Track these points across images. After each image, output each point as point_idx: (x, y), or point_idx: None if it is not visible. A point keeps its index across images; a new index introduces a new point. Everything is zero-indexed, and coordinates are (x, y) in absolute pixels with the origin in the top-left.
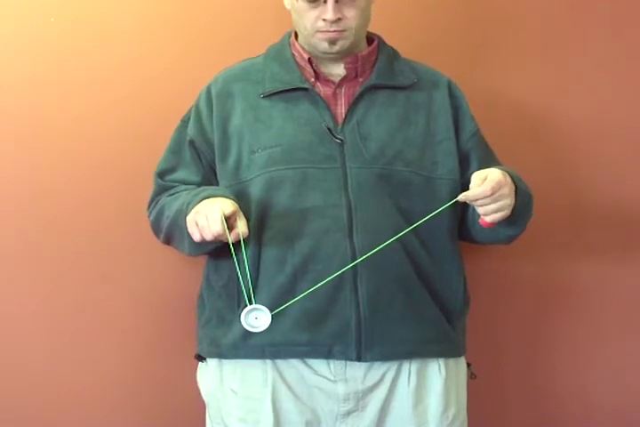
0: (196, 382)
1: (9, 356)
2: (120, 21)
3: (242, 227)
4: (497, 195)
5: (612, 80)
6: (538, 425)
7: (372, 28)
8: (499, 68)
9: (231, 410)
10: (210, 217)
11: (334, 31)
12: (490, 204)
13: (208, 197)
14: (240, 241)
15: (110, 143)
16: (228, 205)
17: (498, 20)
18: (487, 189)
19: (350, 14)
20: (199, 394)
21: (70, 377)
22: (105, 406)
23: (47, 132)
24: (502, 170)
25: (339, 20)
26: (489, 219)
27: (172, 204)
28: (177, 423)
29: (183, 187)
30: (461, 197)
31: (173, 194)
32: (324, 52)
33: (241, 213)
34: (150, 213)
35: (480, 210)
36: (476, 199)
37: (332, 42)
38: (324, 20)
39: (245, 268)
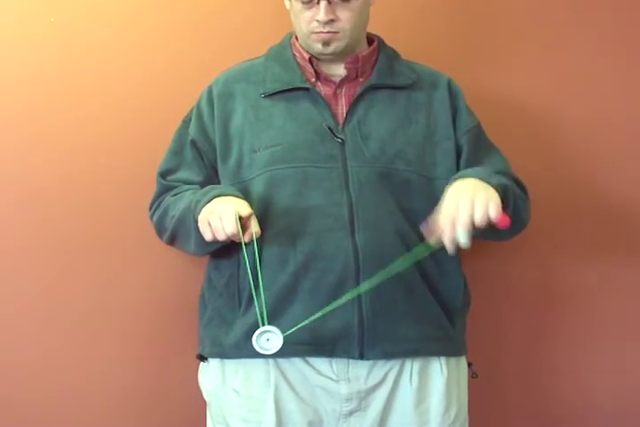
0: (196, 381)
1: (8, 356)
2: (120, 21)
3: (255, 226)
4: (465, 209)
5: (612, 79)
6: (538, 425)
7: (371, 29)
8: (498, 69)
9: (233, 410)
10: (224, 217)
11: (327, 32)
12: (473, 216)
13: (219, 196)
14: (252, 241)
15: (111, 143)
16: (244, 207)
17: (497, 19)
18: (446, 223)
19: (344, 16)
20: (199, 394)
21: (70, 376)
22: (105, 405)
23: (47, 131)
24: (464, 176)
25: (332, 21)
26: (493, 216)
27: (177, 203)
28: (177, 423)
29: (186, 187)
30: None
31: (177, 194)
32: (319, 54)
33: (253, 214)
34: (153, 213)
35: (479, 228)
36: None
37: (326, 43)
38: (317, 21)
39: (260, 288)
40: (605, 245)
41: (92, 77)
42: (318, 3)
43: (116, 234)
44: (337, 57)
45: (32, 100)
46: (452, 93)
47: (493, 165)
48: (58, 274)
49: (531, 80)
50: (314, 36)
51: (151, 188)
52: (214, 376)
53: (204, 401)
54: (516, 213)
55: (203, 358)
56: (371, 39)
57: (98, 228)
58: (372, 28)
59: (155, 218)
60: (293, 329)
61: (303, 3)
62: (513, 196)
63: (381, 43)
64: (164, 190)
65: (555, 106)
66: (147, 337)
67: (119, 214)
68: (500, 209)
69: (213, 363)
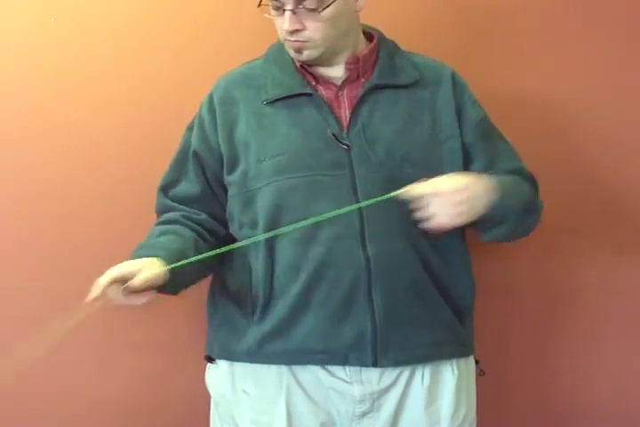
0: (201, 381)
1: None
2: (120, 21)
3: (134, 281)
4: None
5: (622, 73)
6: (543, 422)
7: (379, 25)
8: (504, 64)
9: (243, 412)
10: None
11: (295, 41)
12: (436, 206)
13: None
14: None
15: (111, 143)
16: (107, 275)
17: (505, 15)
18: (425, 191)
19: (311, 26)
20: (201, 394)
21: (71, 376)
22: (107, 405)
23: (47, 132)
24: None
25: (298, 30)
26: (432, 225)
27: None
28: (180, 423)
29: (166, 217)
30: (401, 191)
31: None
32: (296, 60)
33: (139, 271)
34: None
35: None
36: (415, 197)
37: (298, 51)
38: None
39: None
40: (609, 242)
41: (92, 78)
42: (284, 12)
43: (118, 234)
44: (322, 61)
45: (31, 100)
46: (456, 87)
47: (509, 161)
48: (59, 274)
49: (540, 75)
50: (286, 42)
51: (153, 188)
52: (223, 377)
53: (207, 401)
54: (516, 226)
55: (211, 359)
56: (370, 34)
57: (99, 228)
58: (380, 25)
59: None
60: None
61: (274, 10)
62: (517, 219)
63: (381, 38)
64: (160, 210)
65: (565, 101)
66: (150, 337)
67: (121, 214)
68: (445, 227)
69: (222, 364)
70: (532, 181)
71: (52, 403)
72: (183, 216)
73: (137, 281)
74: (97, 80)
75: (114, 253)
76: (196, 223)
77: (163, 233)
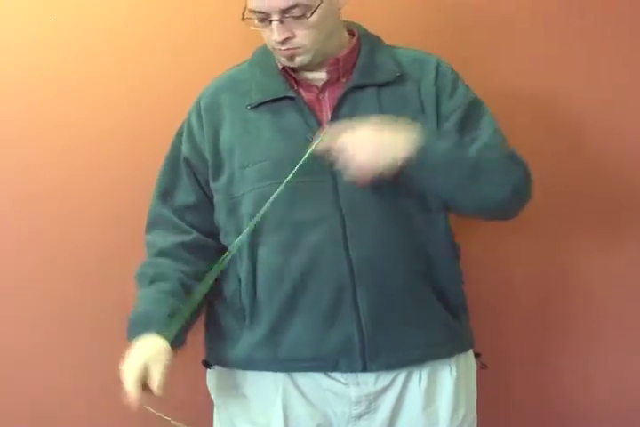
0: (203, 382)
1: (9, 358)
2: (120, 21)
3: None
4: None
5: (626, 69)
6: (543, 422)
7: (375, 24)
8: (504, 62)
9: (241, 414)
10: (126, 385)
11: (287, 49)
12: (347, 158)
13: (138, 337)
14: None
15: (111, 143)
16: (130, 375)
17: (504, 13)
18: (333, 144)
19: (301, 33)
20: (204, 395)
21: (71, 376)
22: (109, 406)
23: (46, 132)
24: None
25: (288, 39)
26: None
27: (139, 299)
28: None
29: (160, 252)
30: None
31: (147, 269)
32: (288, 67)
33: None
34: (146, 243)
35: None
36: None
37: (290, 58)
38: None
39: None
40: (611, 240)
41: (92, 78)
42: (271, 22)
43: (118, 234)
44: (312, 65)
45: (30, 100)
46: (439, 76)
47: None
48: (59, 274)
49: (542, 74)
50: (276, 51)
51: (151, 188)
52: (222, 380)
53: (209, 404)
54: (461, 183)
55: (208, 364)
56: (351, 31)
57: (99, 228)
58: (380, 24)
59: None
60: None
61: (259, 21)
62: (457, 172)
63: (362, 34)
64: (155, 219)
65: (567, 100)
66: None
67: (121, 214)
68: (368, 174)
69: (220, 368)
70: (513, 159)
71: (52, 403)
72: (174, 245)
73: (157, 383)
74: (97, 80)
75: (114, 254)
76: (184, 250)
77: (154, 294)
